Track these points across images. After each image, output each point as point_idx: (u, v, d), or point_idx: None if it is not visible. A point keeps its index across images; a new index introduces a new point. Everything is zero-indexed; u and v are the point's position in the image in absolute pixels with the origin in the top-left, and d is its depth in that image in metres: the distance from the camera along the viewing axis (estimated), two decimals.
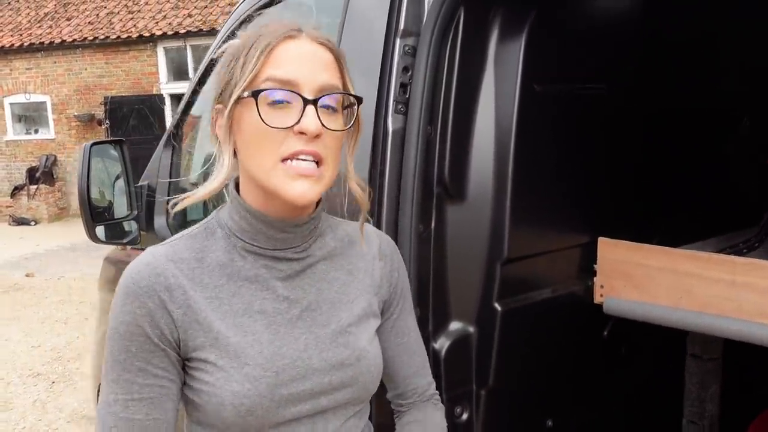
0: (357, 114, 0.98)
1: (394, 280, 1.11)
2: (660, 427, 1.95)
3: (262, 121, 0.89)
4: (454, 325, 1.44)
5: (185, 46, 11.96)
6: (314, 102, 0.90)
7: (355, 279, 1.05)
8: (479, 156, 1.42)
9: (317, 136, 0.90)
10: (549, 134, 1.49)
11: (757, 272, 1.36)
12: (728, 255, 1.53)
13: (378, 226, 1.31)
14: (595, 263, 1.61)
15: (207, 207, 2.36)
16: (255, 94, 0.90)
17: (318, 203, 1.01)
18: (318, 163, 0.91)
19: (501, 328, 1.45)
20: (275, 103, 0.90)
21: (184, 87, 11.89)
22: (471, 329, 1.44)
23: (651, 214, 1.78)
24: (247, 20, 1.79)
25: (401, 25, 1.35)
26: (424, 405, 1.16)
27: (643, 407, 1.93)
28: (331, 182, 0.95)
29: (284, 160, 0.90)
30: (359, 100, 0.97)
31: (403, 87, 1.32)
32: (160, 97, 12.19)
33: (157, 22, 12.10)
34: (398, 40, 1.35)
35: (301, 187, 0.90)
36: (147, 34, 11.97)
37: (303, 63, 0.91)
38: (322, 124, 0.90)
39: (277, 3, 1.71)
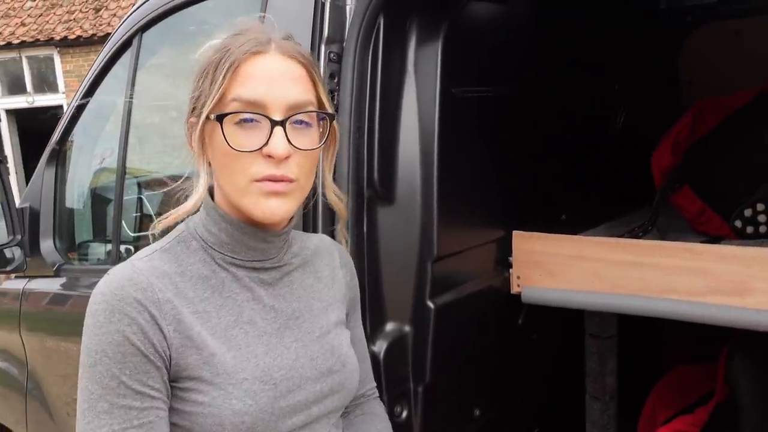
0: (330, 129, 0.97)
1: (353, 289, 1.14)
2: (568, 405, 2.08)
3: (228, 145, 0.88)
4: (390, 326, 1.46)
5: (20, 57, 11.18)
6: (282, 123, 0.89)
7: (324, 287, 1.06)
8: (406, 159, 1.46)
9: (287, 157, 0.89)
10: (467, 136, 1.56)
11: (661, 252, 1.49)
12: (631, 239, 1.67)
13: (314, 230, 1.31)
14: (511, 255, 1.70)
15: (98, 226, 2.25)
16: (219, 118, 0.88)
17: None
18: (290, 180, 0.91)
19: (434, 324, 1.50)
20: (243, 122, 0.89)
21: (20, 101, 11.16)
22: (407, 328, 1.47)
23: (556, 206, 1.90)
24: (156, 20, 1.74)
25: (325, 32, 1.36)
26: (368, 402, 1.20)
27: (553, 387, 2.05)
28: (304, 197, 0.95)
29: (256, 180, 0.89)
30: (331, 116, 0.97)
31: (331, 93, 1.33)
32: None
33: None
34: (323, 47, 1.36)
35: (273, 204, 0.90)
36: None
37: (271, 81, 0.90)
38: (291, 144, 0.89)
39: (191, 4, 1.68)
